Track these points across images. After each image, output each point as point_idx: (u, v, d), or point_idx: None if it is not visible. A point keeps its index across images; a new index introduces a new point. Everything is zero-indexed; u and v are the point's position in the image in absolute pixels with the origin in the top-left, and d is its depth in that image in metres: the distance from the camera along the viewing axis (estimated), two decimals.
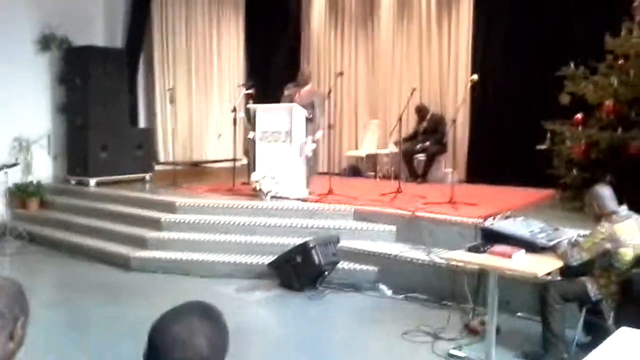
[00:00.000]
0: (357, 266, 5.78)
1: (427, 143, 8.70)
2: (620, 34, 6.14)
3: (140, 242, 6.56)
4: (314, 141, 7.13)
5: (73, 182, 8.68)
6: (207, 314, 1.41)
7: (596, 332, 3.94)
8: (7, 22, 8.15)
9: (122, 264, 6.36)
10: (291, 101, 7.28)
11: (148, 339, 1.35)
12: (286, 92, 7.49)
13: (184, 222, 6.69)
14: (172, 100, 9.16)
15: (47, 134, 8.83)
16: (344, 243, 5.91)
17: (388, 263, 5.64)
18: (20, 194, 8.25)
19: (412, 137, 8.98)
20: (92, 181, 8.44)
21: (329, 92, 7.54)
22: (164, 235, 6.59)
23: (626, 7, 6.23)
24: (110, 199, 7.80)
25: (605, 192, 3.86)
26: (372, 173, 9.73)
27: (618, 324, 3.49)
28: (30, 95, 8.55)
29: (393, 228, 6.07)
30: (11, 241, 7.41)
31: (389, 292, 5.43)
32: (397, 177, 8.13)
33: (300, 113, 6.99)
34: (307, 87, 7.47)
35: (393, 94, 9.82)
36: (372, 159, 9.90)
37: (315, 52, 10.96)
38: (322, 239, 5.68)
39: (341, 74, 8.17)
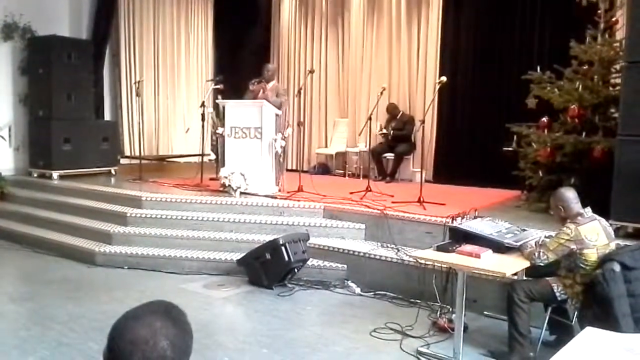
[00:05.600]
0: (327, 264, 5.80)
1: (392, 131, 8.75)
2: (585, 40, 6.30)
3: (106, 237, 6.45)
4: (283, 138, 7.12)
5: (35, 174, 8.47)
6: (170, 314, 1.32)
7: (560, 331, 4.05)
8: None
9: (87, 259, 6.24)
10: (255, 97, 7.28)
11: (108, 339, 1.28)
12: (251, 87, 7.46)
13: (150, 217, 6.60)
14: (139, 94, 9.02)
15: (9, 125, 8.60)
16: (314, 240, 5.92)
17: (357, 261, 5.67)
18: None
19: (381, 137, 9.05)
20: (55, 174, 8.26)
21: (300, 90, 7.52)
22: (130, 230, 6.48)
23: (591, 15, 6.39)
24: (74, 193, 7.63)
25: (570, 195, 3.94)
26: (341, 171, 9.78)
27: (581, 323, 3.60)
28: None
29: (362, 226, 6.10)
30: None
31: (357, 290, 5.46)
32: (366, 176, 8.19)
33: (270, 110, 6.98)
34: (272, 83, 7.48)
35: (362, 93, 9.86)
36: (342, 157, 9.95)
37: (285, 49, 10.93)
38: (292, 236, 5.66)
39: (312, 71, 8.17)
